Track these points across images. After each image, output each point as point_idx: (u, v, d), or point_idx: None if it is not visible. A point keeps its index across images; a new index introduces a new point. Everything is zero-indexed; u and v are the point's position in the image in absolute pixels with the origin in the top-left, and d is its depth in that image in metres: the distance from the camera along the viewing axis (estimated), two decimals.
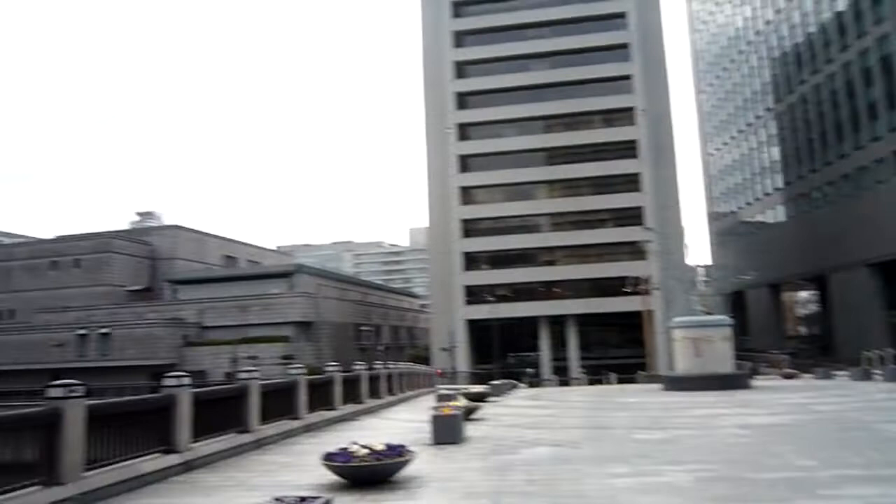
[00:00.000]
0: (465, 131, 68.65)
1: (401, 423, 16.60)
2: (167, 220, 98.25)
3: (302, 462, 10.40)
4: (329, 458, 8.36)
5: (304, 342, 60.72)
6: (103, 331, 57.18)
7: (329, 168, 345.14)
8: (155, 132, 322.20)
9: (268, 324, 59.87)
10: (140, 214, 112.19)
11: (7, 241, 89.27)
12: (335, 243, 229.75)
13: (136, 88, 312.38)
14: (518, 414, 18.12)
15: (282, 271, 72.02)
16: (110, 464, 8.25)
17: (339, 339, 64.29)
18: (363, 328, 70.91)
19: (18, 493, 6.82)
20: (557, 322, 65.04)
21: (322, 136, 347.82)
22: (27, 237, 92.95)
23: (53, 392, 7.46)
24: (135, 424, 9.21)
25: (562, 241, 65.54)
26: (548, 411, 19.17)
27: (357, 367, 20.02)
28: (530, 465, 9.59)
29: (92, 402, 7.98)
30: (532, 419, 16.79)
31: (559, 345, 65.23)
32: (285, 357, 54.54)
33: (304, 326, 62.00)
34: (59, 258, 71.53)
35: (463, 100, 69.09)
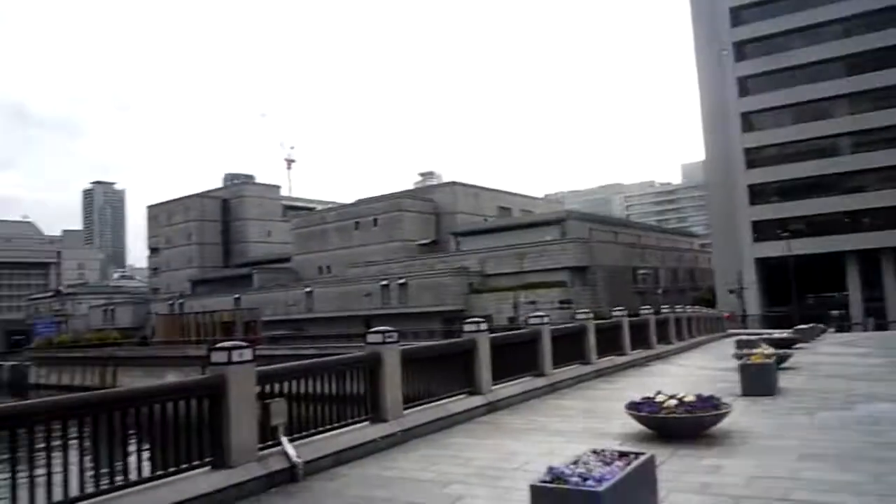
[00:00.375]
0: (742, 51, 61.48)
1: (695, 371, 15.56)
2: (445, 178, 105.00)
3: (600, 408, 10.17)
4: (634, 407, 7.95)
5: (580, 287, 60.81)
6: (401, 281, 63.52)
7: (592, 110, 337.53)
8: (424, 98, 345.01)
9: (543, 269, 60.96)
10: (422, 175, 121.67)
11: (320, 207, 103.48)
12: (603, 186, 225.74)
13: (408, 66, 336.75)
14: (837, 363, 15.85)
15: (553, 218, 72.65)
16: (423, 404, 8.83)
17: (615, 283, 63.15)
18: (640, 271, 68.78)
19: (354, 427, 7.60)
20: (869, 257, 56.14)
21: (584, 77, 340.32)
22: (335, 203, 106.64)
23: (372, 338, 8.13)
24: (441, 367, 9.77)
25: (871, 164, 55.89)
26: (875, 360, 16.48)
27: (643, 311, 19.24)
28: (874, 424, 8.14)
29: (405, 346, 8.57)
30: (858, 369, 14.53)
31: (872, 283, 56.41)
32: (563, 302, 55.25)
33: (579, 271, 61.99)
34: (361, 219, 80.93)
35: (738, 15, 61.74)
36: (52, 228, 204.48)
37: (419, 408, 8.66)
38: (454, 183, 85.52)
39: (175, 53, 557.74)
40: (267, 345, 52.91)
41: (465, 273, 63.66)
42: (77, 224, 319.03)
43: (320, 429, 7.15)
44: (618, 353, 16.04)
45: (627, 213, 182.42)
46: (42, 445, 4.85)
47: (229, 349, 6.16)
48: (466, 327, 10.25)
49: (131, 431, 5.66)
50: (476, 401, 9.76)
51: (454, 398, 9.52)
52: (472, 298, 61.31)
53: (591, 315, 14.96)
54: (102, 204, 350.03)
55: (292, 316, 69.17)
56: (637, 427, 8.01)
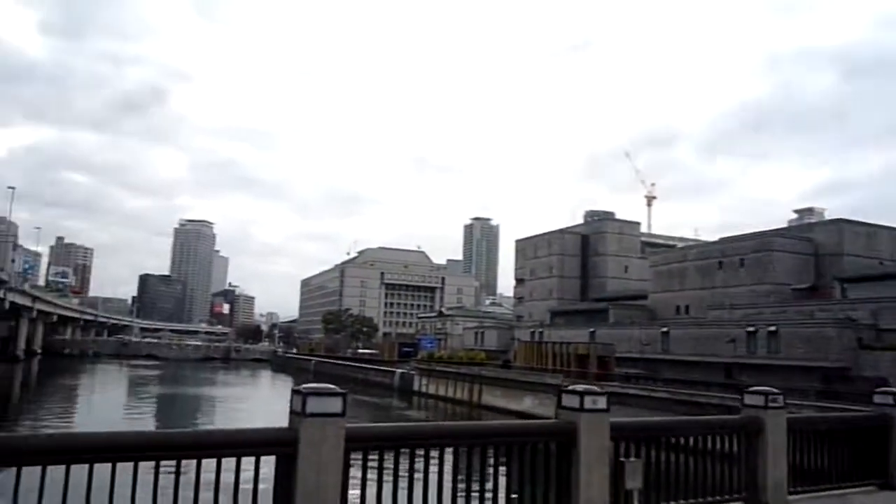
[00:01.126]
0: None
1: None
2: (829, 215, 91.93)
3: None
4: None
5: None
6: (771, 328, 56.61)
7: None
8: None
9: None
10: (797, 212, 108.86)
11: (679, 245, 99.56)
12: None
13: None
14: None
15: None
16: (814, 491, 7.05)
17: None
18: None
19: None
20: None
21: None
22: (694, 240, 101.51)
23: (751, 399, 6.73)
24: (838, 446, 7.77)
25: None
26: None
27: None
28: None
29: (791, 415, 6.95)
30: None
31: None
32: None
33: None
34: (725, 258, 75.03)
35: None
36: (437, 257, 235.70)
37: (808, 495, 6.91)
38: (840, 220, 73.98)
39: (533, 103, 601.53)
40: (619, 382, 52.04)
41: (853, 325, 54.05)
42: (458, 254, 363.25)
43: (682, 502, 6.06)
44: None
45: None
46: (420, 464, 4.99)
47: (581, 394, 5.56)
48: (878, 398, 8.02)
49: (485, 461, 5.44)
50: (891, 497, 7.51)
51: (858, 489, 7.45)
52: (862, 356, 51.65)
53: None
54: (479, 237, 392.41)
55: (646, 355, 66.96)
56: None
